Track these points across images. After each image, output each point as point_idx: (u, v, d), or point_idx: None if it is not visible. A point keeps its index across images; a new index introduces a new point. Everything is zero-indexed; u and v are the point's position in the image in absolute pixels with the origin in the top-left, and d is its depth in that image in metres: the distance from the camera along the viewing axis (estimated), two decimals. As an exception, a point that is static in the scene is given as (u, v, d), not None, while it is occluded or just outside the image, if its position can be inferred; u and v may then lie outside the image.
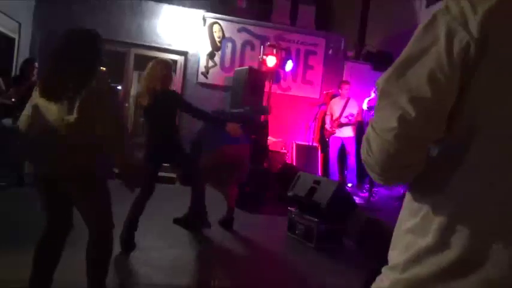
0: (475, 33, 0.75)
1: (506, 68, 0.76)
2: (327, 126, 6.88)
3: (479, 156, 0.79)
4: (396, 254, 0.89)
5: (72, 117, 1.99)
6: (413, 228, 0.87)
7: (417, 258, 0.84)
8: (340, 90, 6.89)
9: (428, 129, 0.80)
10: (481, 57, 0.76)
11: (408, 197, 0.92)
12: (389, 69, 0.83)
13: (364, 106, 6.90)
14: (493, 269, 0.76)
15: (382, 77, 0.84)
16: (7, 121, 5.07)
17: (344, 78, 7.63)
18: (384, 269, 0.92)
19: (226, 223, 4.44)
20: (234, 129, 3.76)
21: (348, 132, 6.72)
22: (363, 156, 0.90)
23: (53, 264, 2.24)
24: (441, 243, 0.81)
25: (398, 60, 0.83)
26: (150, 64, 3.66)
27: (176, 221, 4.24)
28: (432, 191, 0.85)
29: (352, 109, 6.72)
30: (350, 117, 6.65)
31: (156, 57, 7.70)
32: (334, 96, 7.17)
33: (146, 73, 3.63)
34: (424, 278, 0.82)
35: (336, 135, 6.75)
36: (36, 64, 5.30)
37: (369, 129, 0.87)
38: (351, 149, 6.68)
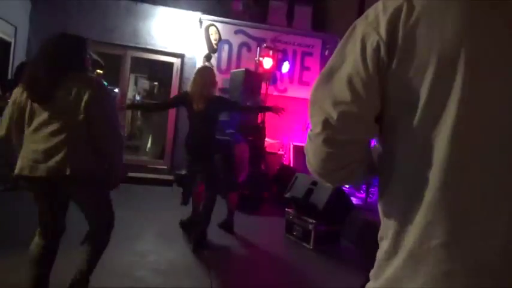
0: (383, 34, 0.77)
1: (414, 67, 0.76)
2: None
3: (401, 157, 0.80)
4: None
5: (81, 117, 2.10)
6: (380, 233, 0.87)
7: (381, 265, 0.83)
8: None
9: (353, 131, 0.82)
10: (392, 57, 0.77)
11: None
12: (318, 79, 0.86)
13: None
14: (432, 270, 0.75)
15: (312, 87, 0.87)
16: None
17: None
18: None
19: (227, 226, 4.44)
20: (279, 111, 4.13)
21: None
22: (307, 165, 0.91)
23: (48, 266, 2.27)
24: (393, 247, 0.81)
25: (324, 70, 0.86)
26: (199, 71, 3.94)
27: (182, 224, 4.25)
28: (382, 193, 0.86)
29: None
30: None
31: (152, 60, 7.84)
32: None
33: (197, 79, 3.81)
34: (387, 285, 0.81)
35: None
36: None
37: (307, 139, 0.89)
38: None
